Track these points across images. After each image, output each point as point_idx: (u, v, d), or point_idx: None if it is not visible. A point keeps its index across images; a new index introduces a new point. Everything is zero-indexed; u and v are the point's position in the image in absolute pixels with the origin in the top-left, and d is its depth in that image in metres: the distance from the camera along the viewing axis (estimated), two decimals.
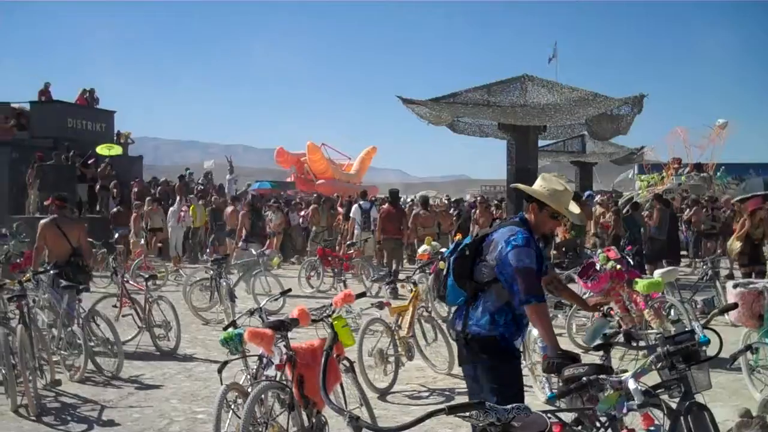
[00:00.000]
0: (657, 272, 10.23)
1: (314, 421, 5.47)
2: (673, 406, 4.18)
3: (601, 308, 5.20)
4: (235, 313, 11.11)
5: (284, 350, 5.51)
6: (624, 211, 18.80)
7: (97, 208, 25.08)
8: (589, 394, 4.13)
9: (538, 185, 4.80)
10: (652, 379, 4.26)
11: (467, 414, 2.74)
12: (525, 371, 5.97)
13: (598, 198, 20.81)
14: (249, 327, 5.85)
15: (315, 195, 25.93)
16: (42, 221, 10.26)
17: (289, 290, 8.18)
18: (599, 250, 10.40)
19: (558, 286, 5.28)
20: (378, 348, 8.46)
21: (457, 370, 8.54)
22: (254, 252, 15.08)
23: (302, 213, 24.34)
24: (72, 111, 30.15)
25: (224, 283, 12.29)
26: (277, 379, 5.56)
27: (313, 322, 6.16)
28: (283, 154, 40.43)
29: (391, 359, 8.47)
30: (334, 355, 5.65)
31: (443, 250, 9.96)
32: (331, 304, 6.28)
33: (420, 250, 13.38)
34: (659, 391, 4.19)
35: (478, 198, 23.01)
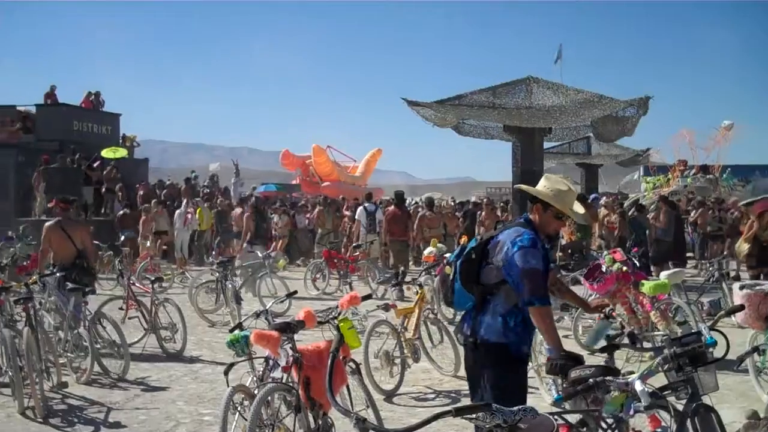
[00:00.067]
0: (663, 274, 10.22)
1: (320, 422, 5.46)
2: (680, 407, 4.18)
3: (603, 310, 5.18)
4: (241, 315, 11.12)
5: (290, 352, 5.50)
6: (629, 213, 18.78)
7: (103, 210, 25.12)
8: (593, 395, 4.12)
9: (542, 185, 4.77)
10: (659, 380, 4.26)
11: (474, 416, 2.73)
12: (531, 373, 5.98)
13: (603, 200, 20.78)
14: (255, 329, 5.85)
15: (321, 197, 25.92)
16: (46, 224, 10.29)
17: (295, 292, 8.19)
18: (605, 252, 10.39)
19: (560, 288, 5.27)
20: (384, 350, 8.46)
21: (464, 371, 8.54)
22: (260, 254, 15.09)
23: (308, 215, 24.35)
24: (78, 114, 30.21)
25: (230, 286, 12.30)
26: (284, 381, 5.55)
27: (319, 324, 6.15)
28: (288, 157, 40.44)
29: (397, 361, 8.47)
30: (341, 357, 5.64)
31: (447, 255, 9.95)
32: (337, 306, 6.27)
33: (425, 252, 13.37)
34: (666, 392, 4.18)
35: (484, 200, 22.95)
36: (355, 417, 2.67)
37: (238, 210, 21.89)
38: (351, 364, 6.00)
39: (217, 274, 12.99)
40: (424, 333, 9.09)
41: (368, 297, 6.96)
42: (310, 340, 6.83)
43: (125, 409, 7.84)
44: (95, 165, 26.54)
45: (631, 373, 4.30)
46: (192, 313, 12.64)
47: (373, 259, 17.86)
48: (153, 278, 11.30)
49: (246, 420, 5.31)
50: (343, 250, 19.33)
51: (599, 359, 4.74)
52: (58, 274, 9.51)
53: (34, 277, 9.49)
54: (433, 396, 8.36)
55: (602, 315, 5.09)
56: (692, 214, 22.63)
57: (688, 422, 4.12)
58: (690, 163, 33.01)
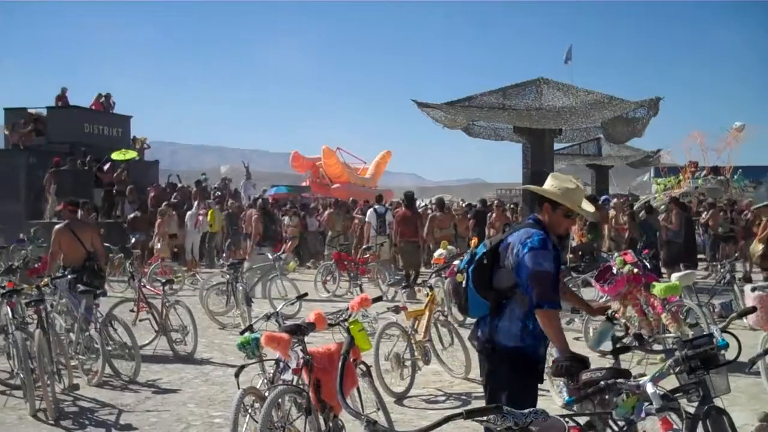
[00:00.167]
0: (674, 276, 10.20)
1: (331, 425, 5.46)
2: (692, 410, 4.17)
3: (607, 312, 5.15)
4: (252, 317, 11.14)
5: (301, 354, 5.50)
6: (639, 214, 18.74)
7: (116, 212, 25.16)
8: (599, 398, 4.11)
9: (550, 185, 4.73)
10: (671, 383, 4.24)
11: (485, 418, 2.73)
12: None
13: (613, 201, 20.75)
14: (266, 331, 5.86)
15: (333, 200, 25.93)
16: (56, 227, 10.34)
17: (306, 294, 8.20)
18: (616, 254, 10.37)
19: (563, 289, 5.22)
20: (394, 352, 8.46)
21: (474, 374, 8.55)
22: (270, 256, 15.11)
23: (319, 217, 24.36)
24: (88, 116, 30.27)
25: (241, 288, 12.32)
26: (294, 383, 5.55)
27: (330, 327, 6.15)
28: (298, 159, 40.45)
29: (408, 363, 8.46)
30: (351, 360, 5.64)
31: (457, 262, 9.92)
32: (347, 309, 6.27)
33: (436, 254, 13.37)
34: (677, 395, 4.17)
35: (495, 202, 22.93)
36: (365, 419, 2.67)
37: (249, 212, 21.93)
38: (361, 366, 6.00)
39: (228, 276, 13.01)
40: (434, 335, 9.08)
41: (379, 299, 6.96)
42: (320, 342, 6.83)
43: (136, 412, 7.86)
44: (105, 168, 26.60)
45: (643, 375, 4.29)
46: (203, 315, 12.66)
47: (384, 261, 17.85)
48: (164, 280, 11.33)
49: (257, 422, 5.32)
50: (353, 251, 19.34)
51: (606, 361, 4.73)
52: (69, 277, 9.54)
53: (46, 280, 9.51)
54: (443, 398, 8.35)
55: (606, 317, 5.06)
56: (703, 216, 22.56)
57: (700, 425, 4.11)
58: (701, 165, 32.93)
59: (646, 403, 3.94)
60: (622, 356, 4.95)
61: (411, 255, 16.54)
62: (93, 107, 31.17)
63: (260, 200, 23.52)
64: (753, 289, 7.61)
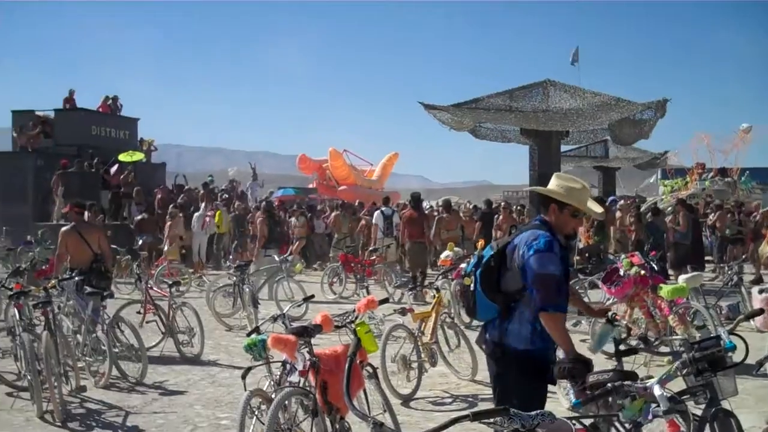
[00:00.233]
0: (681, 278, 10.18)
1: (338, 427, 5.45)
2: (699, 412, 4.16)
3: (607, 314, 5.12)
4: (258, 319, 11.15)
5: (307, 356, 5.50)
6: (646, 216, 18.71)
7: (123, 214, 25.22)
8: (602, 400, 4.10)
9: (555, 185, 4.70)
10: (678, 385, 4.24)
11: (492, 420, 2.73)
12: None
13: (620, 203, 20.73)
14: (272, 333, 5.86)
15: (340, 202, 25.93)
16: (62, 229, 10.35)
17: (312, 296, 8.20)
18: (623, 256, 10.35)
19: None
20: (401, 354, 8.46)
21: (481, 376, 8.54)
22: (276, 258, 15.11)
23: (326, 219, 24.35)
24: (96, 119, 30.36)
25: (247, 290, 12.32)
26: (301, 385, 5.55)
27: (336, 328, 6.15)
28: (305, 161, 40.46)
29: (414, 365, 8.46)
30: (358, 361, 5.64)
31: (464, 265, 9.91)
32: (354, 310, 6.27)
33: (442, 256, 13.36)
34: (685, 397, 4.16)
35: (502, 203, 22.90)
36: (372, 421, 2.68)
37: (256, 214, 21.94)
38: (368, 368, 6.00)
39: (235, 278, 13.02)
40: (441, 337, 9.06)
41: (385, 301, 6.96)
42: (327, 344, 6.83)
43: (143, 413, 7.87)
44: (112, 171, 26.65)
45: (649, 377, 4.28)
46: (209, 317, 12.67)
47: (390, 263, 17.84)
48: (171, 282, 11.34)
49: (263, 424, 5.32)
50: (360, 252, 19.36)
51: (606, 364, 4.72)
52: (76, 278, 9.56)
53: (53, 282, 9.53)
54: (450, 400, 8.34)
55: (606, 319, 5.04)
56: (711, 218, 22.50)
57: (707, 427, 4.10)
58: (708, 166, 32.84)
59: (653, 406, 3.93)
60: (626, 358, 4.93)
61: (417, 255, 16.52)
62: (100, 110, 31.27)
63: (264, 202, 23.54)
64: (760, 291, 7.61)
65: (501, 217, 20.28)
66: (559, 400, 7.52)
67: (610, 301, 10.26)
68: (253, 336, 6.17)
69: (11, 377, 8.82)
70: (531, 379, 4.50)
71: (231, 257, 21.02)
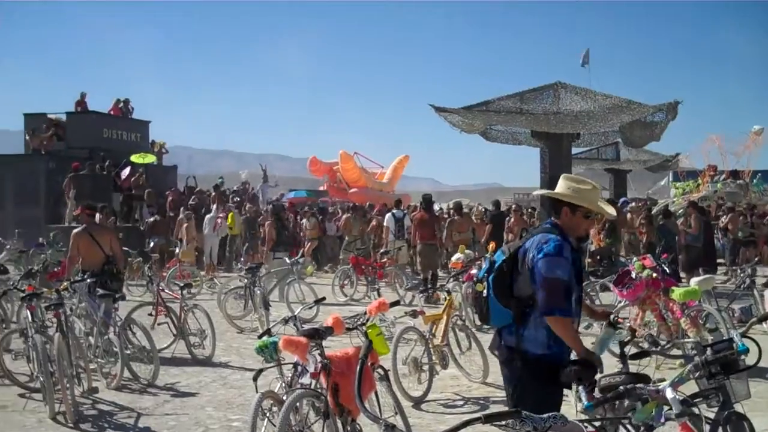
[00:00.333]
0: (693, 280, 10.14)
1: (349, 429, 5.46)
2: (712, 416, 4.14)
3: (609, 317, 5.09)
4: (270, 321, 11.17)
5: (319, 358, 5.50)
6: (657, 219, 18.65)
7: (134, 217, 25.29)
8: (610, 403, 4.09)
9: (565, 188, 4.67)
10: (690, 388, 4.22)
11: (503, 423, 2.73)
12: None
13: (630, 205, 20.67)
14: (284, 335, 5.86)
15: (351, 204, 25.94)
16: (74, 231, 10.38)
17: (323, 299, 8.21)
18: (634, 258, 10.33)
19: None
20: (412, 356, 8.45)
21: (492, 378, 8.53)
22: (287, 260, 15.13)
23: (337, 222, 24.37)
24: (107, 121, 30.47)
25: (258, 292, 12.33)
26: (312, 387, 5.56)
27: (348, 331, 6.16)
28: (315, 163, 40.46)
29: (426, 368, 8.45)
30: (369, 364, 5.64)
31: (474, 271, 9.90)
32: (365, 313, 6.27)
33: (453, 259, 13.36)
34: (697, 400, 4.14)
35: (513, 206, 22.87)
36: (384, 423, 2.68)
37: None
38: (379, 370, 6.00)
39: (246, 280, 13.04)
40: (452, 339, 9.06)
41: (396, 303, 6.96)
42: (338, 346, 6.84)
43: (155, 415, 7.89)
44: (123, 175, 26.71)
45: (662, 380, 4.27)
46: (221, 319, 12.69)
47: (401, 265, 17.84)
48: (182, 284, 11.37)
49: (275, 426, 5.32)
50: (371, 252, 19.34)
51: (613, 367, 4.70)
52: (88, 281, 9.59)
53: (65, 284, 9.56)
54: (461, 403, 8.33)
55: (607, 322, 5.01)
56: (723, 220, 22.42)
57: (720, 430, 4.09)
58: (720, 168, 32.72)
59: (666, 409, 3.92)
60: (633, 361, 4.91)
61: (429, 257, 16.53)
62: (111, 112, 31.37)
63: (271, 205, 23.56)
64: None
65: (512, 219, 20.25)
66: (571, 402, 7.52)
67: (622, 303, 10.24)
68: (265, 338, 6.17)
69: (24, 379, 8.86)
70: (546, 383, 4.47)
71: (242, 259, 21.05)
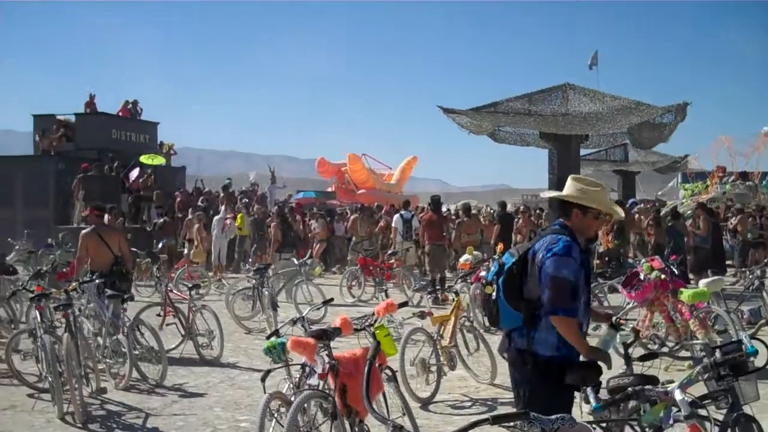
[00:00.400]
0: (702, 282, 10.12)
1: (357, 430, 5.46)
2: (720, 417, 4.13)
3: (611, 319, 5.07)
4: (278, 322, 11.17)
5: (327, 359, 5.50)
6: (666, 220, 18.62)
7: (143, 218, 25.34)
8: (621, 404, 4.08)
9: (574, 189, 4.67)
10: (699, 390, 4.21)
11: (512, 424, 2.72)
12: None
13: (638, 206, 20.64)
14: (292, 336, 5.87)
15: (359, 205, 25.95)
16: (83, 231, 10.41)
17: (331, 300, 8.21)
18: (643, 260, 10.30)
19: None
20: (420, 357, 8.45)
21: (500, 380, 8.52)
22: (295, 261, 15.13)
23: (346, 223, 24.38)
24: (116, 123, 30.55)
25: (266, 293, 12.34)
26: (320, 388, 5.56)
27: (356, 332, 6.16)
28: (324, 165, 40.54)
29: (433, 369, 8.45)
30: (377, 365, 5.64)
31: (483, 273, 9.89)
32: (373, 314, 6.27)
33: (462, 260, 13.33)
34: (706, 402, 4.14)
35: (521, 207, 22.84)
36: (391, 424, 2.68)
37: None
38: (387, 371, 6.00)
39: (254, 281, 13.05)
40: (460, 341, 9.05)
41: (404, 304, 6.96)
42: (346, 347, 6.84)
43: (163, 415, 7.90)
44: (132, 177, 26.76)
45: (671, 382, 4.26)
46: (229, 320, 12.70)
47: (409, 266, 17.84)
48: (190, 285, 11.38)
49: (283, 427, 5.32)
50: (379, 253, 19.33)
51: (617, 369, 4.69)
52: (97, 281, 9.61)
53: (74, 284, 9.58)
54: (469, 404, 8.32)
55: (609, 324, 5.00)
56: (732, 221, 22.35)
57: None
58: (729, 170, 32.64)
59: (674, 410, 3.91)
60: (639, 362, 4.91)
61: (437, 257, 16.53)
62: (120, 114, 31.45)
63: (276, 207, 23.58)
64: None
65: (521, 221, 20.23)
66: (580, 403, 7.50)
67: (630, 305, 10.22)
68: (273, 339, 6.17)
69: (32, 379, 8.88)
70: (557, 385, 4.46)
71: (250, 260, 21.06)
